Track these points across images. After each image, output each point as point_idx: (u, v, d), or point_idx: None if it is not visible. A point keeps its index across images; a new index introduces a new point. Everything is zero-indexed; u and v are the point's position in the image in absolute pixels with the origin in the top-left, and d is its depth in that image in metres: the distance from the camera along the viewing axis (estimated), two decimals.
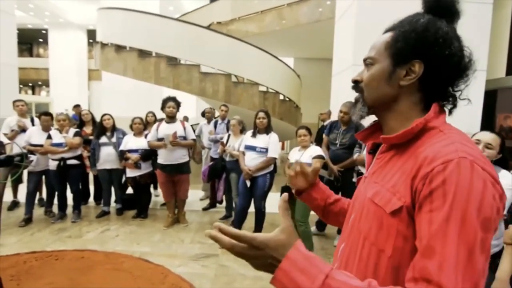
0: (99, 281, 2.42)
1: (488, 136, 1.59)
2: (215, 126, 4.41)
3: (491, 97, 4.43)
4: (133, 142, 3.75)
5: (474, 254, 0.48)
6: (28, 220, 3.56)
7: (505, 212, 1.51)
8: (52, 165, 3.57)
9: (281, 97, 6.77)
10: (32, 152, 3.41)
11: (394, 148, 0.65)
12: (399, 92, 0.65)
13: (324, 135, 3.47)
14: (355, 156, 2.95)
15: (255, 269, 0.52)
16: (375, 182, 0.66)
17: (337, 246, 0.74)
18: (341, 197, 0.94)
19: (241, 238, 0.51)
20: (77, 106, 5.94)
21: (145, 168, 3.76)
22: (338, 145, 3.14)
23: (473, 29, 3.59)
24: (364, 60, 0.70)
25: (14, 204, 4.13)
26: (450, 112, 0.67)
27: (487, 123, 3.96)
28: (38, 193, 4.11)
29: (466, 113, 3.58)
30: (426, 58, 0.61)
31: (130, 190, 4.10)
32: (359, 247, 0.65)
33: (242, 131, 3.60)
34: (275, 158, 3.13)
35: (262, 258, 0.51)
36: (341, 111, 3.10)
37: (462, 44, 0.62)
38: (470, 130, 2.21)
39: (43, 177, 3.81)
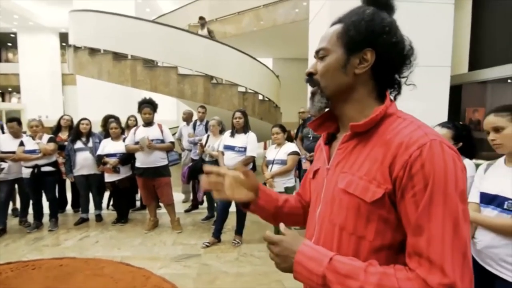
0: (78, 287, 2.39)
1: (439, 133, 1.71)
2: (194, 128, 4.42)
3: (456, 91, 4.70)
4: (111, 146, 3.70)
5: (459, 225, 0.54)
6: (1, 231, 3.43)
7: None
8: (26, 173, 3.47)
9: (260, 97, 6.87)
10: (3, 160, 3.30)
11: (356, 137, 0.67)
12: (355, 81, 0.67)
13: (298, 131, 3.61)
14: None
15: (282, 271, 0.65)
16: (343, 172, 0.66)
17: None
18: (287, 196, 0.91)
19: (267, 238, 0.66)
20: None
21: (124, 172, 3.73)
22: (311, 138, 3.29)
23: (437, 28, 3.82)
24: (317, 52, 0.71)
25: None
26: (395, 98, 0.71)
27: (453, 117, 4.21)
28: (11, 203, 3.97)
29: (433, 108, 3.77)
30: (376, 46, 0.64)
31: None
32: (335, 238, 0.66)
33: (222, 131, 3.64)
34: (253, 157, 3.19)
35: (282, 254, 0.63)
36: (300, 112, 3.29)
37: (402, 33, 0.67)
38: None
39: (16, 186, 3.69)
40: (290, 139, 3.33)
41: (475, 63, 4.37)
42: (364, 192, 0.61)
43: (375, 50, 0.64)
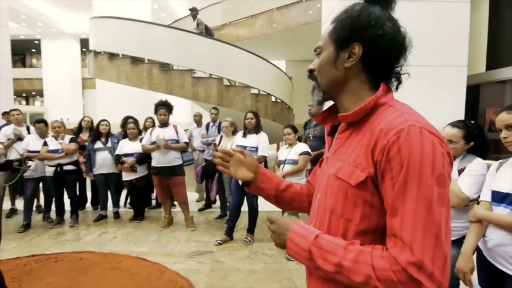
0: (98, 280, 2.51)
1: (448, 132, 1.66)
2: (207, 129, 4.53)
3: (473, 92, 4.59)
4: (128, 146, 3.85)
5: (432, 208, 0.55)
6: (26, 226, 3.63)
7: (475, 196, 1.62)
8: (49, 171, 3.66)
9: (273, 99, 6.92)
10: (30, 158, 3.49)
11: (351, 126, 0.71)
12: (346, 74, 0.71)
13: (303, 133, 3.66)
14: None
15: (278, 246, 0.73)
16: (337, 159, 0.71)
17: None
18: (291, 183, 0.97)
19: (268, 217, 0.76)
20: (6, 113, 4.81)
21: (141, 171, 3.86)
22: (311, 138, 3.34)
23: (453, 27, 3.76)
24: (315, 50, 0.77)
25: (12, 212, 4.19)
26: (397, 88, 0.73)
27: (471, 118, 4.11)
28: (36, 200, 4.19)
29: (449, 108, 3.71)
30: (363, 39, 0.67)
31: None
32: (326, 220, 0.71)
33: (234, 132, 3.71)
34: (265, 157, 3.25)
35: (278, 232, 0.71)
36: (309, 105, 3.32)
37: (398, 25, 0.69)
38: None
39: (41, 184, 3.90)
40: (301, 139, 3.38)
41: (492, 63, 4.26)
42: (350, 176, 0.65)
43: (362, 44, 0.67)
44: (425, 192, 0.56)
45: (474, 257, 1.50)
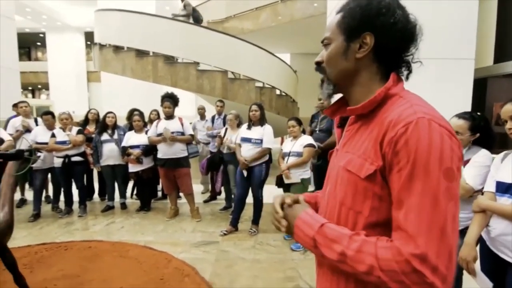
0: (106, 267, 2.58)
1: (454, 123, 1.67)
2: (213, 122, 4.56)
3: (480, 85, 4.55)
4: (134, 138, 3.90)
5: (439, 201, 0.54)
6: (36, 216, 3.72)
7: (480, 187, 1.64)
8: (57, 162, 3.73)
9: (278, 92, 6.90)
10: (39, 150, 3.56)
11: (361, 118, 0.70)
12: (357, 65, 0.69)
13: (308, 126, 3.68)
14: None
15: (287, 233, 0.74)
16: (347, 152, 0.70)
17: None
18: (317, 195, 0.91)
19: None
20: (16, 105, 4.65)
21: (147, 163, 3.92)
22: (317, 131, 3.38)
23: (461, 19, 3.71)
24: (322, 42, 0.74)
25: (22, 202, 4.29)
26: (407, 77, 0.71)
27: (477, 112, 4.08)
28: (44, 191, 4.27)
29: (455, 101, 3.67)
30: (374, 29, 0.65)
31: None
32: (335, 212, 0.70)
33: (239, 125, 3.74)
34: (269, 149, 3.27)
35: (288, 219, 0.72)
36: (319, 99, 3.34)
37: (407, 12, 0.67)
38: None
39: (49, 175, 3.97)
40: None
41: (501, 55, 4.21)
42: (360, 169, 0.64)
43: (373, 33, 0.65)
44: (431, 185, 0.55)
45: (478, 247, 1.53)
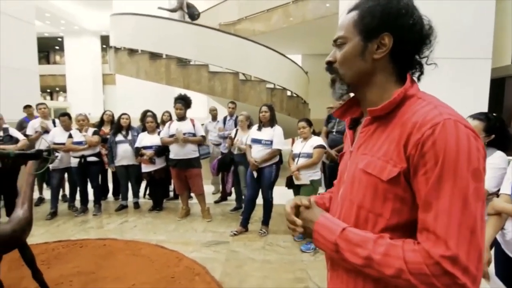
0: (120, 265, 2.64)
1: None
2: (224, 123, 4.60)
3: (498, 85, 4.42)
4: (147, 139, 3.98)
5: (468, 202, 0.54)
6: (53, 214, 3.85)
7: (495, 190, 1.60)
8: (74, 162, 3.85)
9: (289, 93, 6.90)
10: (56, 150, 3.69)
11: (377, 120, 0.69)
12: (374, 66, 0.68)
13: (323, 126, 3.64)
14: None
15: (305, 237, 0.75)
16: (364, 154, 0.69)
17: None
18: (323, 196, 0.91)
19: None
20: (28, 107, 4.83)
21: (159, 163, 3.99)
22: (334, 133, 3.34)
23: (477, 18, 3.62)
24: (335, 41, 0.72)
25: (40, 200, 4.44)
26: (419, 79, 0.71)
27: (495, 112, 3.96)
28: (61, 190, 4.41)
29: (472, 102, 3.59)
30: (393, 29, 0.64)
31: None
32: (352, 215, 0.69)
33: (250, 126, 3.76)
34: (279, 150, 3.27)
35: (304, 225, 0.72)
36: (328, 108, 3.32)
37: (420, 13, 0.67)
38: None
39: (66, 174, 4.10)
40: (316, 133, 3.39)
41: None
42: (381, 172, 0.63)
43: (392, 34, 0.65)
44: (460, 187, 0.54)
45: (492, 250, 1.49)
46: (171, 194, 4.67)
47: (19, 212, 1.96)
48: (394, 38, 0.65)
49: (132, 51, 6.43)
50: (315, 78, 8.74)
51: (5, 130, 3.56)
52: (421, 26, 0.66)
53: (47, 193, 4.38)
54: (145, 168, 3.97)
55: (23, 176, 2.17)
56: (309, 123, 3.09)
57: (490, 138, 1.70)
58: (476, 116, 1.73)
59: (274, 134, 3.25)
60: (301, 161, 3.03)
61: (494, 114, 1.80)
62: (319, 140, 3.04)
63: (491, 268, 1.42)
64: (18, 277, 2.35)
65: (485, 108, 3.69)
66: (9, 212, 3.43)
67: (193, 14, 6.74)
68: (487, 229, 1.45)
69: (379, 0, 0.66)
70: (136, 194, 4.27)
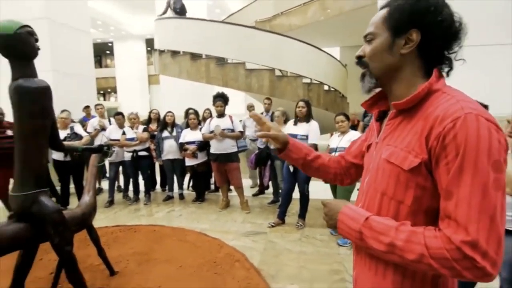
0: (168, 248, 2.92)
1: None
2: None
3: None
4: (190, 135, 4.27)
5: (488, 192, 0.56)
6: (111, 202, 4.32)
7: None
8: (127, 156, 4.28)
9: (326, 87, 6.82)
10: (112, 146, 4.13)
11: (402, 113, 0.72)
12: (401, 61, 0.71)
13: (360, 121, 3.57)
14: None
15: (330, 227, 0.80)
16: (388, 145, 0.72)
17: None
18: (321, 154, 1.04)
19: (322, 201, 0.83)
20: (87, 107, 5.40)
21: (201, 157, 4.26)
22: None
23: (498, 3, 3.32)
24: (365, 37, 0.76)
25: (99, 190, 4.99)
26: (448, 74, 0.72)
27: None
28: (116, 182, 4.91)
29: (495, 89, 3.32)
30: (421, 26, 0.67)
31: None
32: (376, 202, 0.74)
33: (286, 121, 3.84)
34: (315, 144, 3.31)
35: (330, 214, 0.78)
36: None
37: (451, 10, 0.68)
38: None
39: (120, 167, 4.56)
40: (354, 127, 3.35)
41: None
42: (403, 161, 0.67)
43: (420, 30, 0.67)
44: (481, 178, 0.57)
45: None
46: (212, 186, 4.94)
47: (86, 198, 2.29)
48: (422, 34, 0.67)
49: (174, 53, 6.84)
50: (354, 71, 8.46)
51: (71, 128, 4.07)
52: (449, 23, 0.67)
53: (104, 184, 4.91)
54: (189, 162, 4.26)
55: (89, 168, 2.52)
56: (347, 117, 3.08)
57: None
58: None
59: (310, 129, 3.30)
60: None
61: None
62: (356, 135, 3.02)
63: None
64: (85, 255, 2.73)
65: (509, 96, 3.34)
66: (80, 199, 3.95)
67: (177, 9, 6.89)
68: None
69: None
70: (181, 186, 4.60)
